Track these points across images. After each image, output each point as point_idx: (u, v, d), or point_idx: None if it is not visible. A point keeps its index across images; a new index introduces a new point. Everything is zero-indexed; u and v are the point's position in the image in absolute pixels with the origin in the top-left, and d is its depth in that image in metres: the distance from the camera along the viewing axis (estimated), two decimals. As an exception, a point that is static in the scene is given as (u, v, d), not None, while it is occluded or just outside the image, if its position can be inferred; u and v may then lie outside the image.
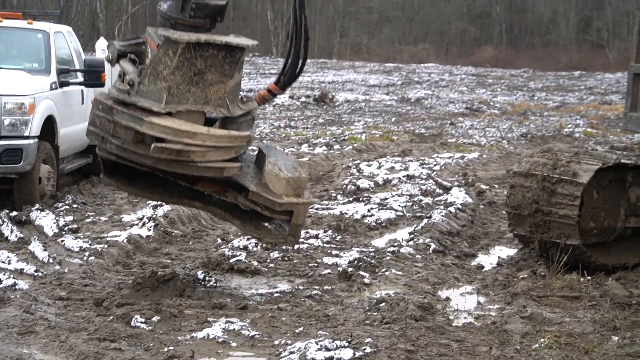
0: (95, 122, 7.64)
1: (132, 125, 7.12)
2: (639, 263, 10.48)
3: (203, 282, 9.45)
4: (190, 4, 7.80)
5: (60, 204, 13.44)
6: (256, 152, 8.83)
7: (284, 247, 10.89)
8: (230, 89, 7.80)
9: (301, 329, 7.56)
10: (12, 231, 11.20)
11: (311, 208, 13.70)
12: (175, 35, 7.41)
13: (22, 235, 11.04)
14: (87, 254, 10.57)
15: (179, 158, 7.29)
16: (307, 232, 12.12)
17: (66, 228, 11.85)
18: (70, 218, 12.48)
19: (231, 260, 10.30)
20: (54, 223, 11.81)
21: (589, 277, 9.84)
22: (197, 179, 7.93)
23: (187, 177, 7.89)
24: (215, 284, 9.47)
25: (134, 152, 7.33)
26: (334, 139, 23.80)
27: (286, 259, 10.89)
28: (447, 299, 9.35)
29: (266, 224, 8.65)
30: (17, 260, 9.75)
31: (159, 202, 13.19)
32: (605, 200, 10.44)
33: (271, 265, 10.61)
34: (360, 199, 14.61)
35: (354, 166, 18.22)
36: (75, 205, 13.66)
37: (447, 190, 15.47)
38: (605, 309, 8.69)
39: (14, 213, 12.06)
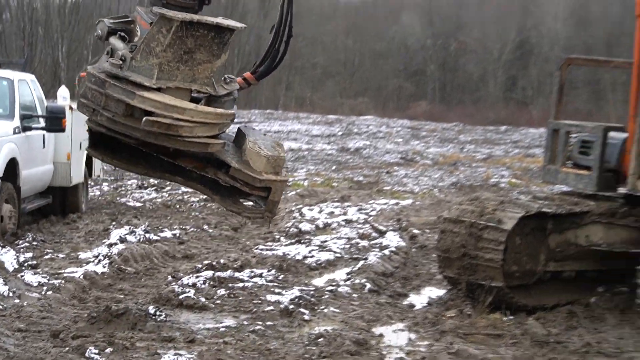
0: (86, 95, 7.44)
1: (124, 99, 7.04)
2: (557, 304, 10.70)
3: (154, 317, 9.39)
4: None
5: (20, 241, 13.35)
6: (235, 132, 8.73)
7: (231, 282, 11.03)
8: (216, 69, 7.80)
9: (245, 361, 7.78)
10: (-27, 266, 11.41)
11: (256, 248, 14.00)
12: (170, 13, 7.29)
13: (-18, 270, 11.26)
14: (45, 288, 10.51)
15: (167, 132, 7.24)
16: (252, 271, 12.15)
17: (26, 264, 11.78)
18: (29, 255, 12.43)
19: (180, 297, 10.33)
20: (14, 259, 11.71)
21: (511, 317, 9.99)
22: (180, 154, 7.81)
23: (170, 152, 7.78)
24: (165, 319, 9.43)
25: (124, 124, 7.24)
26: (278, 185, 23.79)
27: (232, 295, 10.91)
28: (381, 335, 9.38)
29: (244, 200, 8.59)
30: (-22, 294, 9.96)
31: (114, 241, 13.12)
32: (527, 246, 10.58)
33: (218, 301, 10.64)
34: (302, 241, 14.64)
35: (297, 210, 18.31)
36: (35, 243, 13.57)
37: (382, 234, 15.56)
38: (526, 347, 8.88)
39: (-24, 249, 12.32)
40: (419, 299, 11.27)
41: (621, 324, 10.02)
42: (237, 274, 11.85)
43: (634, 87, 11.07)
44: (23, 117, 14.48)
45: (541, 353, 8.60)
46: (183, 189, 20.78)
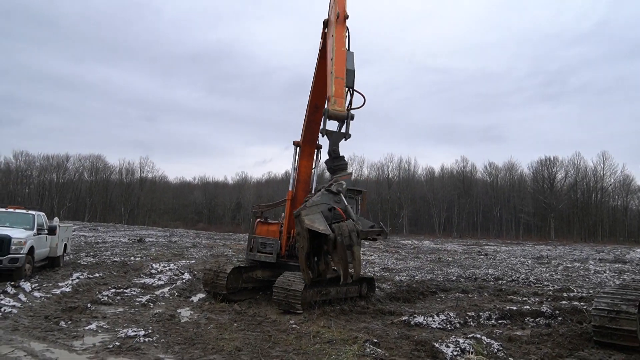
0: (340, 227, 6.18)
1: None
2: (245, 298, 11.90)
3: (89, 308, 9.91)
4: None
5: (32, 279, 13.00)
6: None
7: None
8: None
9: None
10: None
11: (134, 281, 13.87)
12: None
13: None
14: (43, 298, 10.74)
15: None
16: (132, 290, 12.20)
17: (34, 287, 11.74)
18: (36, 284, 12.24)
19: (102, 299, 10.75)
20: (29, 285, 11.81)
21: (227, 304, 11.07)
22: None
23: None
24: (94, 309, 9.94)
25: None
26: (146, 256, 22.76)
27: (123, 298, 10.99)
28: (180, 312, 10.11)
29: None
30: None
31: (74, 278, 13.22)
32: (235, 277, 11.97)
33: (117, 301, 10.85)
34: (152, 277, 14.89)
35: (150, 265, 17.95)
36: (39, 279, 13.18)
37: (182, 274, 15.76)
38: (232, 315, 10.05)
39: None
40: (196, 298, 12.13)
41: (270, 304, 11.22)
42: (125, 290, 12.07)
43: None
44: (37, 229, 14.41)
45: (239, 318, 9.65)
46: (108, 258, 20.16)
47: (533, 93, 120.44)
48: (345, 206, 6.45)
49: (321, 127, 7.12)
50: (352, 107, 7.43)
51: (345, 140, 7.08)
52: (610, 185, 77.74)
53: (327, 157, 7.11)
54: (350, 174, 7.02)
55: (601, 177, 77.23)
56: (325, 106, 7.21)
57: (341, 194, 6.58)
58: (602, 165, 77.00)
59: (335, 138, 7.04)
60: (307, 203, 6.48)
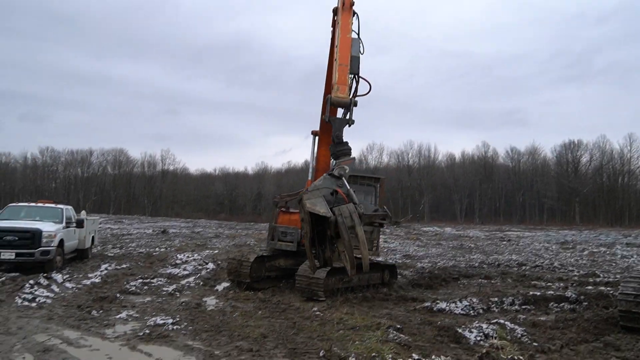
0: (341, 209, 6.01)
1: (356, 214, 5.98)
2: (269, 286, 12.07)
3: (118, 298, 10.26)
4: None
5: (64, 271, 13.45)
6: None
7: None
8: None
9: None
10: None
11: (160, 271, 14.14)
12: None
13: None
14: (74, 288, 11.06)
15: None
16: (158, 280, 12.54)
17: (65, 279, 12.05)
18: (67, 276, 12.59)
19: (130, 289, 11.12)
20: (61, 277, 12.16)
21: (252, 292, 11.31)
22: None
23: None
24: (123, 298, 10.24)
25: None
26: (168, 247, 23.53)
27: (150, 288, 11.27)
28: (206, 301, 10.24)
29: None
30: None
31: (102, 269, 13.64)
32: (258, 266, 12.17)
33: (144, 290, 11.07)
34: (177, 267, 15.11)
35: (175, 255, 18.28)
36: (70, 270, 13.55)
37: (206, 263, 15.82)
38: (257, 303, 10.27)
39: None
40: (220, 287, 12.33)
41: (293, 292, 11.20)
42: (152, 280, 12.36)
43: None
44: (66, 222, 14.80)
45: (263, 306, 9.79)
46: (134, 249, 20.94)
47: (555, 75, 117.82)
48: (348, 190, 6.40)
49: (325, 114, 7.18)
50: (358, 94, 7.48)
51: (349, 126, 7.11)
52: (638, 167, 75.87)
53: (331, 143, 7.14)
54: (354, 158, 6.99)
55: (628, 160, 75.48)
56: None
57: (344, 178, 6.53)
58: (628, 147, 75.21)
59: (339, 124, 7.07)
60: (310, 187, 6.45)
